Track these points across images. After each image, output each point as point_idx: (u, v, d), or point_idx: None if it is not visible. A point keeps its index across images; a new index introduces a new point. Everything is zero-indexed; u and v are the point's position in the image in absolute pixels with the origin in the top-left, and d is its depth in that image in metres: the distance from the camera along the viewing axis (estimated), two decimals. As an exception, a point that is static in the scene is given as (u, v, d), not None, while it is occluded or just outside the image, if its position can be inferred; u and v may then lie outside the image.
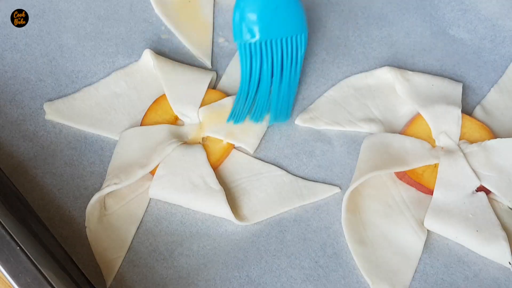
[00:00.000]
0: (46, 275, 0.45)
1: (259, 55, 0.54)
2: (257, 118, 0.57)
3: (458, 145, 0.56)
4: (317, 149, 0.59)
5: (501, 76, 0.63)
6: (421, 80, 0.60)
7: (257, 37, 0.53)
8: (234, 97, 0.58)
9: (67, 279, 0.48)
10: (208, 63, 0.63)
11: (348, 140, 0.59)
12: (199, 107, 0.58)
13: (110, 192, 0.54)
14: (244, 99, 0.57)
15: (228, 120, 0.57)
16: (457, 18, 0.66)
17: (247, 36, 0.53)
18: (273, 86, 0.56)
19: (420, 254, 0.53)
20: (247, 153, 0.58)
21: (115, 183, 0.53)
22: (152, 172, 0.55)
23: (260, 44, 0.54)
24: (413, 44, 0.65)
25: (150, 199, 0.56)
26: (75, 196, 0.55)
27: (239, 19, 0.53)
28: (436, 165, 0.56)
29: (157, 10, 0.65)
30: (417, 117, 0.58)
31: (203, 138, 0.58)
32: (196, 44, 0.63)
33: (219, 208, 0.53)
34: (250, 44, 0.54)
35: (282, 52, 0.55)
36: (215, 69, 0.63)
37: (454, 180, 0.54)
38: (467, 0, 0.67)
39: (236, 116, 0.57)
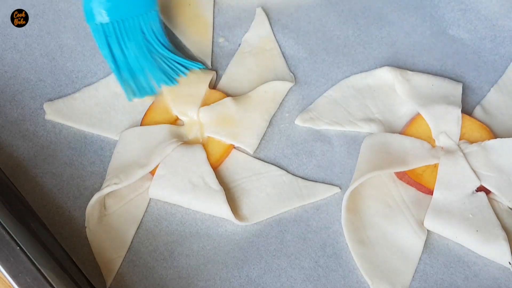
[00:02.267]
0: (46, 275, 0.45)
1: (114, 34, 0.56)
2: (150, 89, 0.58)
3: (458, 145, 0.56)
4: (317, 149, 0.59)
5: (501, 76, 0.63)
6: (421, 80, 0.60)
7: (107, 17, 0.55)
8: (233, 97, 0.58)
9: (67, 279, 0.48)
10: (208, 63, 0.63)
11: (348, 140, 0.59)
12: (199, 107, 0.58)
13: (110, 192, 0.54)
14: (127, 76, 0.57)
15: (129, 99, 0.58)
16: (457, 18, 0.66)
17: (98, 18, 0.55)
18: (136, 63, 0.57)
19: (420, 254, 0.53)
20: (247, 153, 0.58)
21: (115, 183, 0.53)
22: (152, 172, 0.55)
23: (113, 24, 0.55)
24: (413, 44, 0.65)
25: (150, 199, 0.56)
26: (75, 196, 0.55)
27: (87, 1, 0.55)
28: (436, 165, 0.56)
29: (157, 10, 0.65)
30: (417, 117, 0.58)
31: (203, 138, 0.58)
32: (196, 44, 0.63)
33: (219, 208, 0.53)
34: (102, 24, 0.55)
35: (138, 29, 0.57)
36: (215, 69, 0.63)
37: (454, 180, 0.54)
38: (467, 0, 0.67)
39: (133, 92, 0.58)
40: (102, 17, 0.55)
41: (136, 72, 0.57)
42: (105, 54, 0.56)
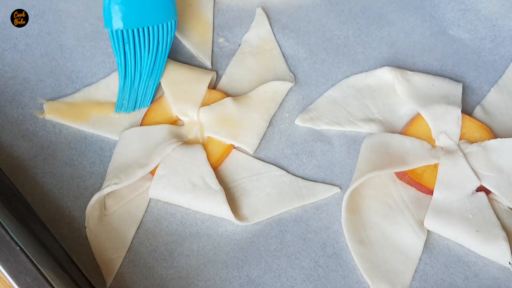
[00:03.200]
0: (46, 275, 0.45)
1: (132, 42, 0.55)
2: (141, 104, 0.59)
3: (458, 145, 0.56)
4: (317, 149, 0.59)
5: (501, 76, 0.63)
6: (421, 80, 0.60)
7: (128, 25, 0.54)
8: (233, 97, 0.59)
9: (67, 279, 0.48)
10: (208, 63, 0.63)
11: (348, 140, 0.59)
12: (199, 107, 0.58)
13: (110, 192, 0.54)
14: (129, 87, 0.58)
15: (117, 110, 0.58)
16: (457, 18, 0.66)
17: (118, 24, 0.54)
18: (144, 72, 0.58)
19: (420, 254, 0.53)
20: (247, 153, 0.58)
21: (115, 183, 0.53)
22: (152, 172, 0.55)
23: (133, 31, 0.55)
24: (413, 44, 0.65)
25: (150, 199, 0.56)
26: (75, 196, 0.55)
27: (108, 6, 0.54)
28: (436, 165, 0.56)
29: (157, 10, 0.65)
30: (417, 117, 0.58)
31: (203, 138, 0.58)
32: (196, 44, 0.63)
33: (219, 208, 0.53)
34: (122, 31, 0.55)
35: (156, 38, 0.56)
36: (215, 69, 0.63)
37: (454, 180, 0.54)
38: (467, 0, 0.67)
39: (125, 105, 0.58)
40: (123, 23, 0.54)
41: (136, 85, 0.58)
42: (119, 62, 0.56)
